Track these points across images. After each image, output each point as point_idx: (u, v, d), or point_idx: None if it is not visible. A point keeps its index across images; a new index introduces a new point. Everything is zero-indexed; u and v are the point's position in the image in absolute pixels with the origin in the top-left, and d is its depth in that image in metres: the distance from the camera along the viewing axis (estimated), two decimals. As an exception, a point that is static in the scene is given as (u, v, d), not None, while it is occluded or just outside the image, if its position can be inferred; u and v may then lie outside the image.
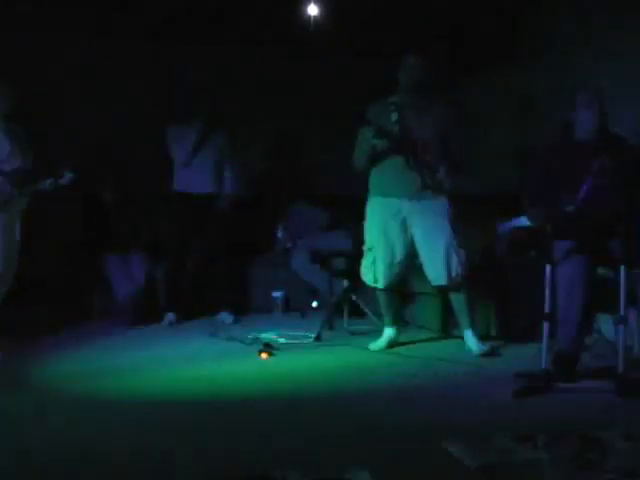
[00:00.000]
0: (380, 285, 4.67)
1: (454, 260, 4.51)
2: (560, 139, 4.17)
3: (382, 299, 4.78)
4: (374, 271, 4.64)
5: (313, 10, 5.65)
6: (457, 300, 4.61)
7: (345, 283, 5.49)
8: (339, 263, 5.79)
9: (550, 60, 5.83)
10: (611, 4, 5.34)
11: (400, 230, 4.56)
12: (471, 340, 4.56)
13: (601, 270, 3.88)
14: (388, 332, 4.78)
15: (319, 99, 6.77)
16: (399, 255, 4.59)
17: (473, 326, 4.60)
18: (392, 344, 4.75)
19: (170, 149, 5.74)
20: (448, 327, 5.10)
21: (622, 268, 3.58)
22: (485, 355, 4.46)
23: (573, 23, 5.69)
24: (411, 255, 4.62)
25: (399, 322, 4.87)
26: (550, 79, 5.75)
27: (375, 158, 4.53)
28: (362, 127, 4.49)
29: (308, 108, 6.70)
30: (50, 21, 5.91)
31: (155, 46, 6.43)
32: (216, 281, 5.84)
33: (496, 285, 4.95)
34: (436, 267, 4.52)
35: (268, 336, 5.00)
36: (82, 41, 6.20)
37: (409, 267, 4.70)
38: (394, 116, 4.49)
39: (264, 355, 4.46)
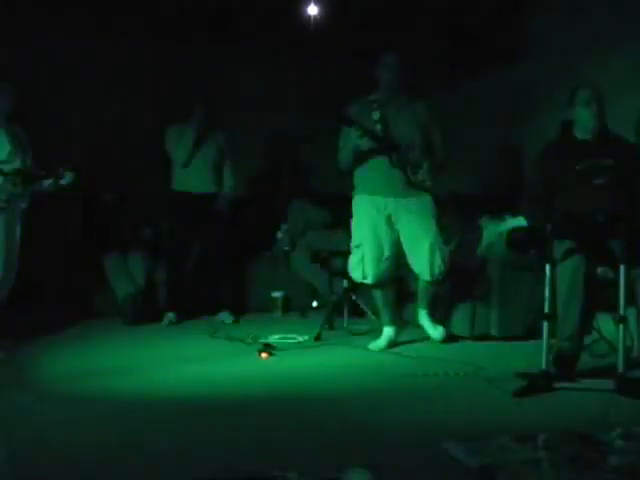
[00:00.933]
0: (369, 281, 4.72)
1: (437, 257, 4.66)
2: (560, 138, 4.16)
3: (378, 297, 4.82)
4: (362, 267, 4.69)
5: (313, 10, 5.65)
6: (427, 288, 4.79)
7: (345, 283, 5.49)
8: (339, 263, 5.79)
9: (550, 60, 5.83)
10: (611, 4, 5.34)
11: (387, 226, 4.64)
12: (427, 322, 4.83)
13: (601, 270, 3.88)
14: (387, 331, 4.79)
15: (319, 99, 6.76)
16: (387, 251, 4.67)
17: (429, 308, 4.83)
18: (392, 343, 4.76)
19: (169, 149, 5.74)
20: (447, 327, 5.11)
21: (622, 268, 3.57)
22: (444, 341, 4.79)
23: (573, 23, 5.68)
24: (398, 251, 4.72)
25: (398, 321, 4.89)
26: (550, 79, 5.74)
27: (360, 158, 4.59)
28: (344, 127, 4.56)
29: (308, 108, 6.70)
30: (50, 21, 5.91)
31: (155, 46, 6.43)
32: (216, 281, 5.85)
33: (496, 285, 4.96)
34: (420, 263, 4.67)
35: (269, 337, 5.01)
36: (82, 41, 6.19)
37: (398, 263, 4.76)
38: (376, 115, 4.57)
39: (264, 355, 4.46)
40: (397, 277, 4.88)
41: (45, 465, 2.67)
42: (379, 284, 4.74)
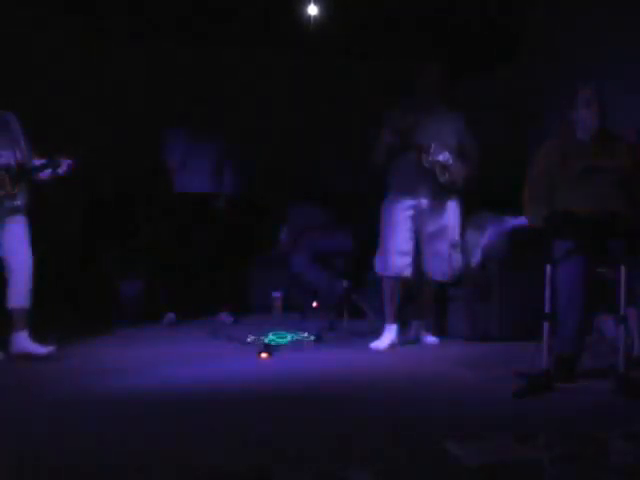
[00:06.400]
0: (390, 272, 4.82)
1: (453, 259, 4.84)
2: (560, 138, 4.16)
3: (387, 290, 4.87)
4: (385, 259, 4.83)
5: (313, 10, 5.65)
6: (431, 294, 4.97)
7: (345, 283, 5.49)
8: (339, 263, 5.80)
9: (550, 60, 5.83)
10: (611, 4, 5.34)
11: (411, 224, 4.81)
12: (424, 332, 4.97)
13: (601, 270, 3.88)
14: (389, 329, 4.81)
15: (319, 99, 6.76)
16: (408, 247, 4.81)
17: (427, 319, 5.00)
18: (393, 342, 4.77)
19: (168, 149, 5.74)
20: (446, 327, 5.13)
21: (622, 268, 3.57)
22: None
23: (573, 23, 5.69)
24: (418, 249, 4.87)
25: (399, 320, 4.90)
26: (550, 79, 5.74)
27: (392, 157, 4.78)
28: (381, 127, 4.74)
29: (308, 108, 6.70)
30: (50, 21, 5.91)
31: (155, 46, 6.43)
32: (216, 281, 5.85)
33: (496, 285, 4.96)
34: (437, 264, 4.85)
35: (268, 337, 5.00)
36: (82, 41, 6.19)
37: (415, 261, 4.89)
38: (411, 117, 4.76)
39: (264, 355, 4.46)
40: (409, 277, 4.95)
41: (45, 465, 2.67)
42: (397, 278, 4.84)
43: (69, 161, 4.52)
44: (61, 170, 4.54)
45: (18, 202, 4.47)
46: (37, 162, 4.55)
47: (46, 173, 4.56)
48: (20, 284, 4.43)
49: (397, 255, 4.80)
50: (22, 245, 4.47)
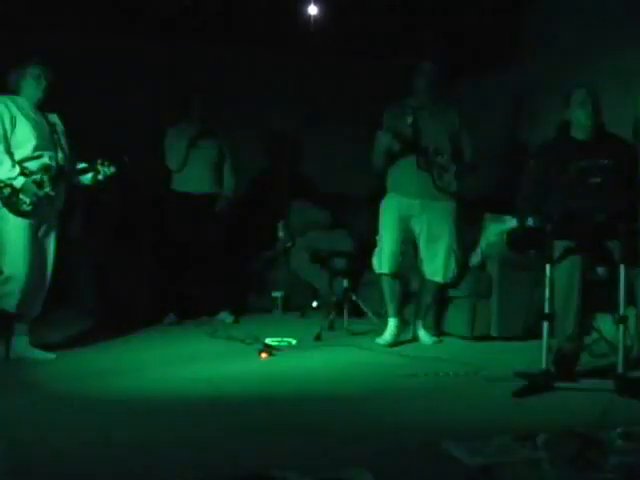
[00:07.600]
0: (385, 270, 4.89)
1: (452, 261, 4.88)
2: (557, 138, 4.17)
3: (386, 287, 4.95)
4: (380, 258, 4.90)
5: (313, 10, 5.66)
6: (430, 294, 4.97)
7: (345, 283, 5.49)
8: (339, 263, 5.81)
9: (550, 60, 5.83)
10: (611, 4, 5.34)
11: (407, 225, 4.87)
12: (423, 331, 4.95)
13: (601, 270, 3.88)
14: (392, 323, 4.89)
15: (319, 99, 6.76)
16: (403, 247, 4.88)
17: (426, 319, 5.01)
18: (397, 336, 4.86)
19: (165, 153, 5.74)
20: (446, 327, 5.14)
21: (622, 268, 3.57)
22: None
23: (573, 23, 5.69)
24: (414, 250, 4.94)
25: (401, 316, 4.97)
26: (549, 79, 5.74)
27: (390, 159, 4.82)
28: (378, 130, 4.75)
29: (308, 108, 6.70)
30: (50, 21, 5.90)
31: (155, 46, 6.43)
32: (216, 281, 5.85)
33: (496, 285, 4.97)
34: (435, 265, 4.88)
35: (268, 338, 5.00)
36: (82, 41, 6.19)
37: (411, 261, 4.97)
38: (409, 119, 4.77)
39: (264, 355, 4.46)
40: (406, 274, 5.04)
41: (45, 465, 2.67)
42: (393, 275, 4.90)
43: (109, 168, 4.43)
44: (102, 176, 4.43)
45: (56, 204, 4.37)
46: (78, 165, 4.46)
47: (87, 178, 4.46)
48: (34, 293, 4.38)
49: (393, 254, 4.85)
50: (49, 254, 4.43)
